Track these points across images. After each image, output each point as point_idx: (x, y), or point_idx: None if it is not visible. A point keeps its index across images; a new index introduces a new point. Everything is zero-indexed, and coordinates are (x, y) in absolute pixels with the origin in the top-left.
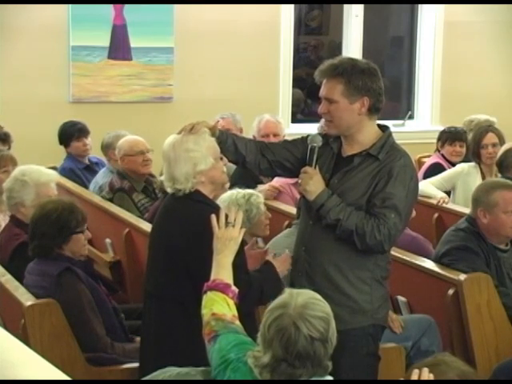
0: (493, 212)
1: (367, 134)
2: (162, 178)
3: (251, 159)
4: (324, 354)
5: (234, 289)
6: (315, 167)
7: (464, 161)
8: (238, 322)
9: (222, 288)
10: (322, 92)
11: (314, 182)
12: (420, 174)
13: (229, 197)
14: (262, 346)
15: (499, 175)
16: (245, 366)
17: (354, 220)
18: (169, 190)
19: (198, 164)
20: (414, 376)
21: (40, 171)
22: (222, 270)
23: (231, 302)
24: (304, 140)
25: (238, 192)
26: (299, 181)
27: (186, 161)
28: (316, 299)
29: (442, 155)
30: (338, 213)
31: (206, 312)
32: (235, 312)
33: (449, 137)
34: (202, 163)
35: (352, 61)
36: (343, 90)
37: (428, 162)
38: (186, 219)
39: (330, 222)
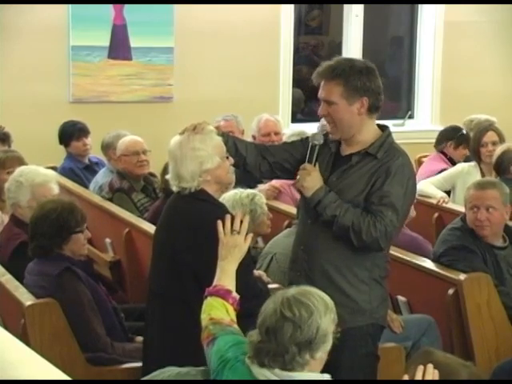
0: (466, 208)
1: (366, 133)
2: (168, 176)
3: (251, 161)
4: (291, 337)
5: (235, 295)
6: (315, 165)
7: (465, 160)
8: (235, 326)
9: (223, 294)
10: (321, 94)
11: (311, 179)
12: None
13: (232, 196)
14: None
15: (498, 177)
16: (242, 365)
17: (350, 216)
18: (174, 189)
19: (205, 163)
20: (419, 373)
21: (36, 172)
22: (225, 275)
23: (230, 308)
24: (304, 142)
25: (242, 192)
26: (297, 177)
27: (193, 159)
28: (314, 292)
29: (443, 153)
30: (334, 209)
31: (204, 317)
32: (234, 318)
33: (457, 140)
34: (208, 162)
35: (349, 61)
36: (342, 92)
37: (431, 163)
38: (191, 218)
39: (326, 218)
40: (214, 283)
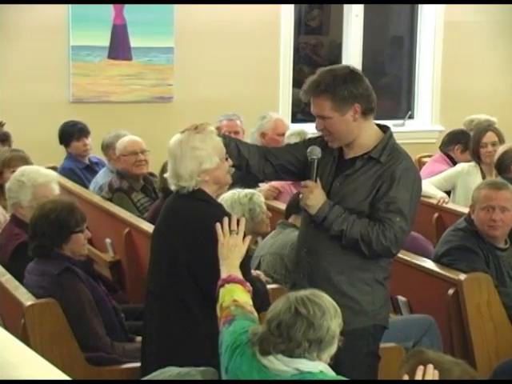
0: (475, 208)
1: (367, 135)
2: (167, 175)
3: (254, 163)
4: (304, 333)
5: (249, 285)
6: (315, 180)
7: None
8: (256, 315)
9: (240, 281)
10: (313, 111)
11: (314, 196)
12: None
13: (231, 196)
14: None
15: (499, 176)
16: (249, 348)
17: (357, 229)
18: (172, 188)
19: (204, 162)
20: (419, 373)
21: (38, 172)
22: (233, 269)
23: (249, 296)
24: (306, 143)
25: (240, 191)
26: (300, 196)
27: (192, 158)
28: (324, 295)
29: (447, 155)
30: (341, 223)
31: (226, 299)
32: (253, 304)
33: (465, 144)
34: (207, 162)
35: (332, 72)
36: (332, 106)
37: (434, 164)
38: (189, 218)
39: (334, 233)
40: (227, 274)
